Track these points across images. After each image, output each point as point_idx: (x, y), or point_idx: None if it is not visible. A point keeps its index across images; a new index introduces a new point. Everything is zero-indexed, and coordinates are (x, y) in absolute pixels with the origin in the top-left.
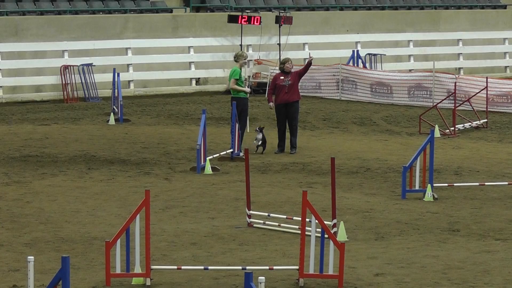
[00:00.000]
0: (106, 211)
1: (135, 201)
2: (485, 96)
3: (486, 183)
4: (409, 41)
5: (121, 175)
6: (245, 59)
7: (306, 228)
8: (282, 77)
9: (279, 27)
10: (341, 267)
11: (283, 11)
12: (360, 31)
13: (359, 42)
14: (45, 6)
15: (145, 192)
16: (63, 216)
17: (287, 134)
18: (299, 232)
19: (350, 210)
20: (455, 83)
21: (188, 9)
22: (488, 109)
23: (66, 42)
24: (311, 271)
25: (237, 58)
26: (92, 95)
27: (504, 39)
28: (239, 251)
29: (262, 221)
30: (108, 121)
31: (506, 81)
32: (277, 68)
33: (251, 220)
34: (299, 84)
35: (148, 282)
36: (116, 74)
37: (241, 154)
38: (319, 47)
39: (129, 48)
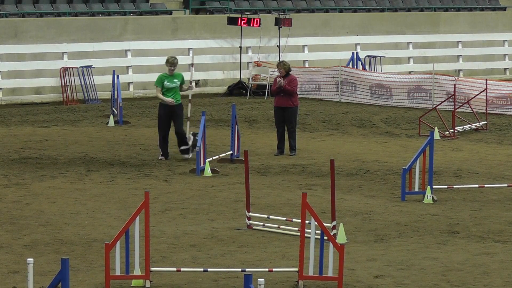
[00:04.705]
0: (105, 213)
1: (134, 203)
2: (484, 98)
3: (485, 185)
4: (408, 43)
5: (121, 177)
6: (171, 66)
7: (306, 230)
8: (279, 79)
9: (279, 29)
10: (341, 269)
11: (282, 13)
12: (360, 33)
13: (359, 44)
14: (44, 8)
15: (145, 194)
16: (63, 218)
17: (286, 136)
18: (299, 234)
19: (350, 212)
20: (455, 85)
21: (187, 11)
22: (488, 111)
23: (66, 44)
24: (311, 273)
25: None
26: (91, 97)
27: (504, 41)
28: (238, 253)
29: (261, 223)
30: (107, 123)
31: (506, 83)
32: (276, 70)
33: (251, 222)
34: (299, 86)
35: (148, 284)
36: (115, 76)
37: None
38: (318, 49)
39: (129, 50)
